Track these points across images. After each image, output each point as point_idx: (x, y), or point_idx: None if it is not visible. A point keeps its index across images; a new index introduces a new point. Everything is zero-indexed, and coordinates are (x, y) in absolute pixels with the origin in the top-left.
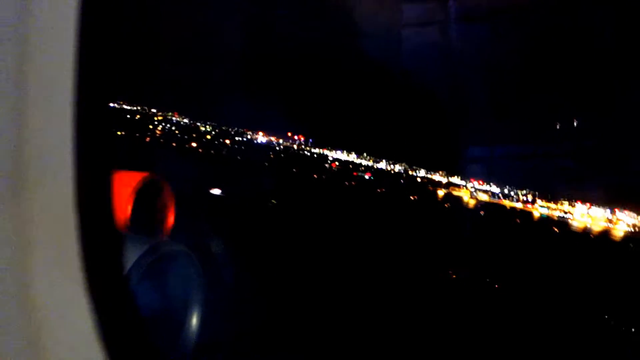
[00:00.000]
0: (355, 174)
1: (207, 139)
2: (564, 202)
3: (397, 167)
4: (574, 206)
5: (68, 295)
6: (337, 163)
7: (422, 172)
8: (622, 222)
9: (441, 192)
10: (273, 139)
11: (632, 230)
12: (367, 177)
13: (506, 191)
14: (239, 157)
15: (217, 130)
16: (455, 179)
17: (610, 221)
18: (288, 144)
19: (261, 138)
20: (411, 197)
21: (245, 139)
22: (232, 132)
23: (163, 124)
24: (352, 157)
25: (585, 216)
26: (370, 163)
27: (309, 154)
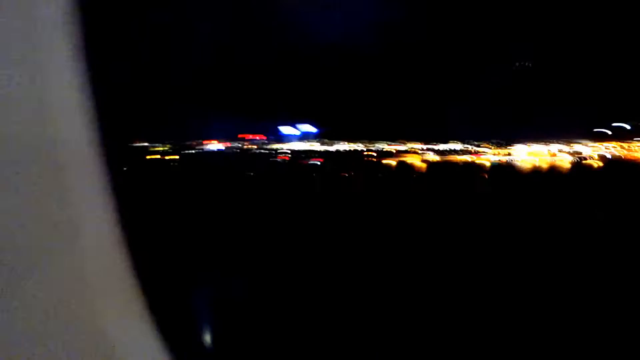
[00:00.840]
0: (304, 162)
1: (154, 158)
2: (506, 147)
3: (357, 146)
4: (513, 148)
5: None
6: (288, 155)
7: (381, 145)
8: (561, 153)
9: (392, 162)
10: (226, 144)
11: (576, 159)
12: (314, 162)
13: (468, 147)
14: (186, 169)
15: (170, 148)
16: (415, 145)
17: (552, 154)
18: (241, 145)
19: (213, 146)
20: (344, 174)
21: (195, 151)
22: (184, 146)
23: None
24: (309, 146)
25: (530, 155)
26: (328, 148)
27: (259, 151)
